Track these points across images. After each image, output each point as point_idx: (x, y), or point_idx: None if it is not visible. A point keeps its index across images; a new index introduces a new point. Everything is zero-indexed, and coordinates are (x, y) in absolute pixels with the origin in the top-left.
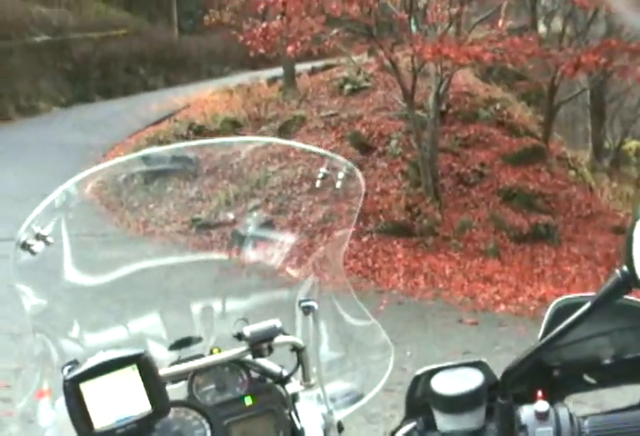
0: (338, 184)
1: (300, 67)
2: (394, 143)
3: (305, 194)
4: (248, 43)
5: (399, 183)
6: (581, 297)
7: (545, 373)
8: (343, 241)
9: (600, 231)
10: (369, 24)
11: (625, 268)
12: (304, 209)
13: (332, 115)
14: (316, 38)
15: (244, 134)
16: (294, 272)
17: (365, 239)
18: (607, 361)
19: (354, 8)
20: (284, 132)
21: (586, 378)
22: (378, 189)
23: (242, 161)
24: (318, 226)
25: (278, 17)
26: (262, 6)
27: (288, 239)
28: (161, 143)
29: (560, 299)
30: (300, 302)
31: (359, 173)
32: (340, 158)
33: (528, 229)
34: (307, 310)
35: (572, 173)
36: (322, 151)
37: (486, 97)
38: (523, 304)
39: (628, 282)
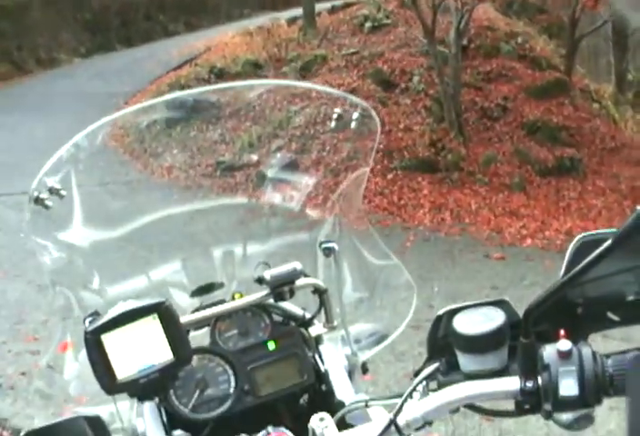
0: (353, 125)
1: (320, 6)
2: (416, 79)
3: (325, 134)
4: None
5: (423, 119)
6: (604, 233)
7: (568, 311)
8: (361, 180)
9: (625, 163)
10: None
11: None
12: (324, 149)
13: (353, 53)
14: None
15: (265, 76)
16: (314, 214)
17: (390, 176)
18: (631, 298)
19: None
20: (305, 71)
21: (610, 315)
22: (402, 125)
23: (263, 102)
24: (337, 167)
25: None
26: None
27: (308, 180)
28: (182, 87)
29: (582, 235)
30: (320, 243)
31: (374, 113)
32: (354, 98)
33: (553, 162)
34: (328, 251)
35: (595, 105)
36: (336, 91)
37: (508, 31)
38: (549, 238)
39: None
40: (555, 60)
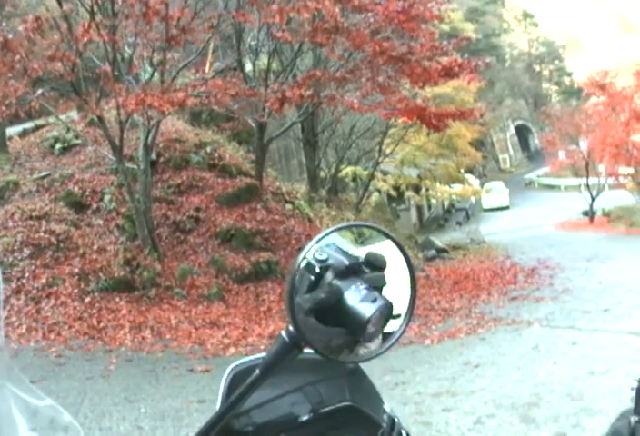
0: None
1: (12, 130)
2: (107, 198)
3: None
4: None
5: (116, 239)
6: (255, 359)
7: None
8: None
9: None
10: (73, 80)
11: (290, 328)
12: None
13: (44, 177)
14: (23, 100)
15: None
16: None
17: (87, 299)
18: (305, 418)
19: (57, 66)
20: None
21: None
22: (96, 247)
23: None
24: None
25: None
26: None
27: None
28: None
29: (236, 363)
30: None
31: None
32: None
33: (250, 268)
34: None
35: (288, 206)
36: None
37: (197, 142)
38: (252, 344)
39: (298, 343)
40: (246, 166)
